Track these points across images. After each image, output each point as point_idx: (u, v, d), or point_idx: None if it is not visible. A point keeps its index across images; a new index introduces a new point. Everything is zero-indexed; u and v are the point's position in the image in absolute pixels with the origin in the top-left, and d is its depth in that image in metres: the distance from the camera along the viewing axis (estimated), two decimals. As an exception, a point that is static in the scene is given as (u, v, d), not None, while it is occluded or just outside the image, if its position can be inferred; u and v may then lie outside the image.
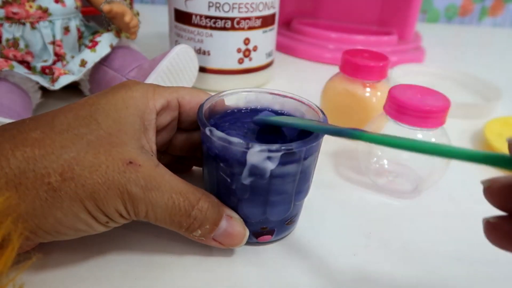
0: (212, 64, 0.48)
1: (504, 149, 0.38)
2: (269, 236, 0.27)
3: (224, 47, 0.47)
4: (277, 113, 0.29)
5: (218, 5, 0.44)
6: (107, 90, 0.25)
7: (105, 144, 0.22)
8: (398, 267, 0.26)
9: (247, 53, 0.48)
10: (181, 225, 0.23)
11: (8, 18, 0.37)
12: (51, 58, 0.40)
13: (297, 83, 0.56)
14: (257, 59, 0.49)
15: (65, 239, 0.22)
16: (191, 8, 0.45)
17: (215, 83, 0.49)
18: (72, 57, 0.41)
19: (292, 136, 0.26)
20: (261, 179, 0.23)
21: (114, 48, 0.43)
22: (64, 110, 0.23)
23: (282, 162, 0.23)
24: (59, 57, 0.40)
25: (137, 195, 0.22)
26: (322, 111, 0.27)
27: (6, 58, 0.38)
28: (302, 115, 0.28)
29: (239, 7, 0.45)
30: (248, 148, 0.22)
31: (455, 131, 0.44)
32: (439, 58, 0.70)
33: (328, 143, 0.40)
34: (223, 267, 0.25)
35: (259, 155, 0.22)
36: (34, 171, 0.20)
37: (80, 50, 0.42)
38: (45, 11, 0.38)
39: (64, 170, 0.21)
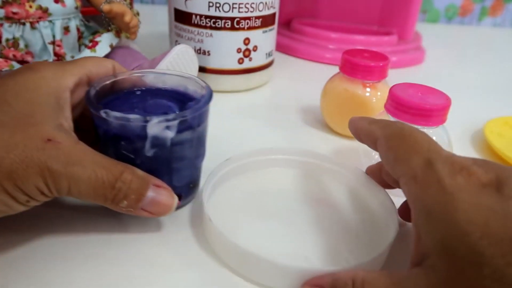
0: (212, 64, 0.48)
1: (504, 150, 0.38)
2: (178, 202, 0.27)
3: (224, 47, 0.47)
4: (161, 90, 0.30)
5: (218, 5, 0.44)
6: (12, 72, 0.24)
7: (21, 125, 0.22)
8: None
9: (247, 53, 0.48)
10: (106, 198, 0.23)
11: (8, 18, 0.37)
12: (51, 58, 0.40)
13: (297, 83, 0.56)
14: (257, 59, 0.49)
15: None
16: (191, 8, 0.45)
17: (215, 83, 0.49)
18: (72, 57, 0.41)
19: (178, 108, 0.28)
20: (163, 149, 0.25)
21: (114, 48, 0.43)
22: None
23: (179, 130, 0.25)
24: (59, 57, 0.40)
25: (58, 170, 0.21)
26: (205, 82, 0.28)
27: (6, 58, 0.38)
28: (186, 89, 0.30)
29: (239, 7, 0.45)
30: (147, 122, 0.24)
31: (455, 130, 0.44)
32: (439, 58, 0.70)
33: (328, 143, 0.40)
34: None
35: (158, 126, 0.24)
36: None
37: (80, 50, 0.42)
38: (45, 11, 0.38)
39: None
